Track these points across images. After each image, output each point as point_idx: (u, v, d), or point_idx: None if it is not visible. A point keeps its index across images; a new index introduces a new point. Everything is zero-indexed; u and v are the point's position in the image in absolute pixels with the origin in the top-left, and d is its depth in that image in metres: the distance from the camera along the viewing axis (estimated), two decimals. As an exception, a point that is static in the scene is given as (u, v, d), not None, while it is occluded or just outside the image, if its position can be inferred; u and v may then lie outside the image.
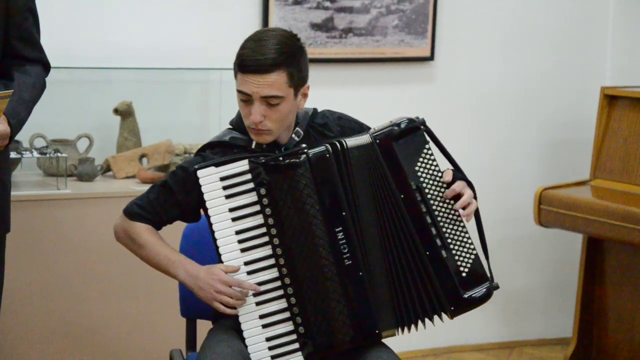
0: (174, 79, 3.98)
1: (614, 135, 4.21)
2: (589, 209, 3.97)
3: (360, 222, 2.48)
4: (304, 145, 2.52)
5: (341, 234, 2.45)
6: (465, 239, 2.52)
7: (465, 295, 2.51)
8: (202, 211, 2.59)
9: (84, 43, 3.74)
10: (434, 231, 2.50)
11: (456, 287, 2.50)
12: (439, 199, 2.51)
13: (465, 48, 4.48)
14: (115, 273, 3.54)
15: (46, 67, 2.72)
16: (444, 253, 2.49)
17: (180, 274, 2.51)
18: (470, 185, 2.58)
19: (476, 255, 2.54)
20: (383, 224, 2.49)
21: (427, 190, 2.51)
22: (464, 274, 2.51)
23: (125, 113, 3.80)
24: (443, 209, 2.52)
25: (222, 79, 4.00)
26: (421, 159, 2.52)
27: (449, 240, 2.51)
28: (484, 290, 2.54)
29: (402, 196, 2.49)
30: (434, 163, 2.53)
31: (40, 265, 3.44)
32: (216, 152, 2.57)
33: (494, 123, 4.59)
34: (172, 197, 2.56)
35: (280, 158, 2.45)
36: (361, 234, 2.47)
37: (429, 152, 2.53)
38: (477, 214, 2.57)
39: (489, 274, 2.57)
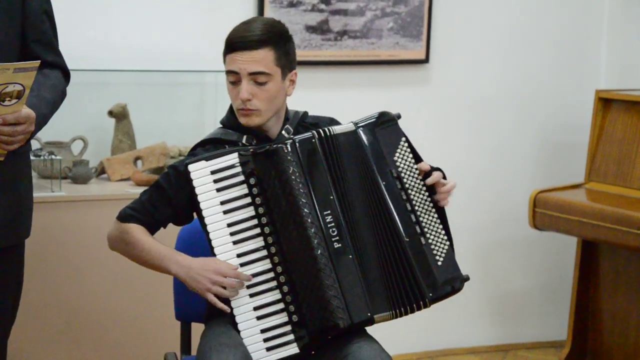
0: (169, 81, 3.98)
1: (608, 139, 4.22)
2: (583, 212, 3.97)
3: (349, 205, 2.50)
4: (291, 134, 2.58)
5: (330, 217, 2.48)
6: (439, 229, 2.57)
7: (442, 283, 2.54)
8: (194, 214, 2.60)
9: (79, 45, 3.73)
10: (413, 218, 2.54)
11: (433, 275, 2.53)
12: (415, 188, 2.56)
13: (460, 51, 4.48)
14: (109, 276, 3.54)
15: (66, 73, 2.66)
16: (422, 240, 2.54)
17: (172, 267, 2.51)
18: (442, 172, 2.64)
19: (449, 245, 2.58)
20: (368, 208, 2.52)
21: (405, 179, 2.56)
22: (439, 262, 2.55)
23: (120, 115, 3.80)
24: (419, 199, 2.56)
25: (218, 81, 3.99)
26: (399, 150, 2.58)
27: (425, 229, 2.55)
28: (458, 279, 2.58)
29: (383, 183, 2.53)
30: (410, 155, 2.58)
31: (34, 267, 3.43)
32: (208, 149, 2.60)
33: (489, 126, 4.59)
34: (164, 196, 2.58)
35: (267, 146, 2.49)
36: (350, 217, 2.50)
37: (406, 143, 2.59)
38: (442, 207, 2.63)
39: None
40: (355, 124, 2.58)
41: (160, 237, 2.61)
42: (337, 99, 4.22)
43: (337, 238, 2.47)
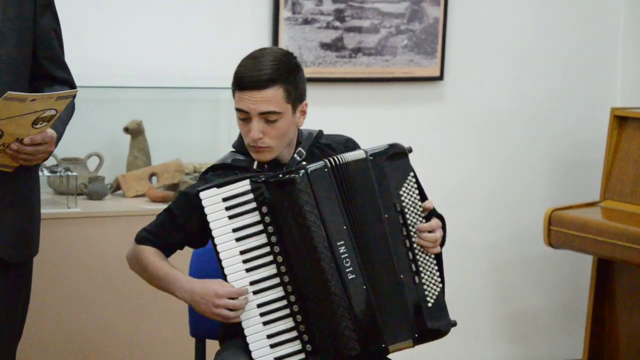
0: (184, 98, 3.99)
1: (624, 156, 4.21)
2: (599, 230, 3.96)
3: (361, 235, 2.48)
4: (304, 162, 2.55)
5: (343, 247, 2.46)
6: (434, 271, 2.55)
7: (429, 326, 2.52)
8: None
9: (94, 62, 3.75)
10: (410, 256, 2.52)
11: (422, 315, 2.52)
12: (416, 226, 2.54)
13: (475, 68, 4.49)
14: (124, 292, 3.54)
15: (74, 89, 2.71)
16: (416, 279, 2.52)
17: (177, 292, 2.51)
18: (443, 221, 2.60)
19: (442, 288, 2.57)
20: (374, 238, 2.50)
21: (407, 215, 2.53)
22: (429, 304, 2.53)
23: (135, 132, 3.81)
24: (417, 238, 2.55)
25: (232, 98, 4.00)
26: (406, 184, 2.55)
27: (421, 269, 2.53)
28: (446, 324, 2.55)
29: (385, 215, 2.51)
30: (416, 192, 2.55)
31: (50, 283, 3.44)
32: (219, 174, 2.59)
33: (503, 143, 4.58)
34: (175, 222, 2.58)
35: (280, 175, 2.46)
36: (363, 247, 2.48)
37: (414, 179, 2.56)
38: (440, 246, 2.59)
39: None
40: (366, 151, 2.54)
41: (174, 260, 2.61)
42: (352, 116, 4.22)
43: (351, 269, 2.46)
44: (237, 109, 2.51)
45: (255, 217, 2.46)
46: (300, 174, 2.45)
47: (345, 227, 2.47)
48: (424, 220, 2.54)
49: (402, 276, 2.51)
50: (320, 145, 2.66)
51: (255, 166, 2.57)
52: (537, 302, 4.74)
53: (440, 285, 2.56)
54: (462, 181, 4.51)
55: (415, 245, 2.53)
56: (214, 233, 2.45)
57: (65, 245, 3.46)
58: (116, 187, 3.80)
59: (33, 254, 2.66)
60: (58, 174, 3.59)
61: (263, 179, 2.46)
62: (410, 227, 2.53)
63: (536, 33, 4.59)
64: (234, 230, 2.46)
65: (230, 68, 3.96)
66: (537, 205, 4.57)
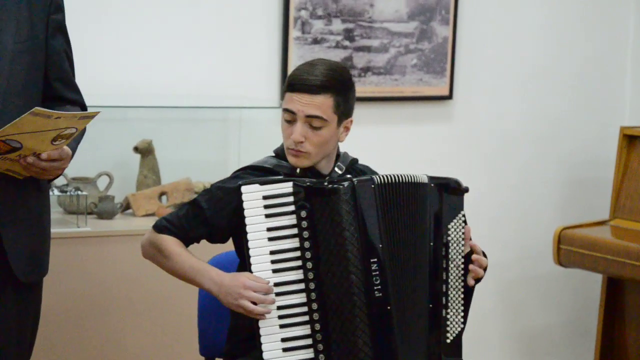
0: (194, 118, 4.00)
1: (633, 175, 4.20)
2: (609, 249, 3.95)
3: (395, 256, 2.48)
4: (349, 175, 2.58)
5: (375, 265, 2.45)
6: (460, 309, 2.58)
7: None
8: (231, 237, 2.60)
9: (104, 81, 3.77)
10: (443, 288, 2.54)
11: (439, 348, 2.54)
12: (455, 262, 2.56)
13: (484, 87, 4.49)
14: (134, 311, 3.54)
15: (84, 110, 2.73)
16: (443, 312, 2.54)
17: (205, 282, 2.50)
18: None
19: (462, 328, 2.59)
20: (411, 263, 2.51)
21: (450, 250, 2.56)
22: (448, 340, 2.55)
23: (145, 151, 3.82)
24: (455, 274, 2.57)
25: (242, 118, 4.02)
26: (456, 220, 2.58)
27: (449, 304, 2.56)
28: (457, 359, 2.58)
29: (431, 244, 2.53)
30: (463, 230, 2.58)
31: (60, 302, 3.45)
32: (256, 175, 2.59)
33: (512, 162, 4.58)
34: (201, 215, 2.57)
35: (325, 183, 2.47)
36: (397, 268, 2.48)
37: (464, 217, 2.59)
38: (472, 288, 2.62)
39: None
40: (429, 177, 2.57)
41: (183, 287, 2.61)
42: (361, 135, 4.20)
43: (379, 287, 2.45)
44: (285, 110, 2.54)
45: (292, 219, 2.46)
46: (346, 186, 2.46)
47: (380, 246, 2.46)
48: (463, 259, 2.57)
49: (431, 305, 2.52)
50: (357, 168, 2.68)
51: (298, 172, 2.58)
52: (546, 321, 4.73)
53: (463, 325, 2.58)
54: (471, 199, 4.47)
55: (450, 280, 2.55)
56: (248, 229, 2.44)
57: (75, 265, 3.47)
58: (126, 207, 3.81)
59: (44, 273, 2.67)
60: (68, 193, 3.61)
61: (307, 184, 2.46)
62: (451, 262, 2.55)
63: (545, 52, 4.59)
64: (269, 230, 2.45)
65: (240, 87, 4.01)
66: (546, 224, 4.57)
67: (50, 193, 3.55)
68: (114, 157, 3.88)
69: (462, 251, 2.57)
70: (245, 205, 2.45)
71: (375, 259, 2.45)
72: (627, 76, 4.74)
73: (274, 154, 2.67)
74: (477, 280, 2.60)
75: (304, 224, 2.45)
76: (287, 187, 2.46)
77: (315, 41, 4.12)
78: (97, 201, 3.71)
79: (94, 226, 3.59)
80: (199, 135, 4.01)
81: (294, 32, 4.08)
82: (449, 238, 2.55)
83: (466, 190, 2.62)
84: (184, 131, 3.99)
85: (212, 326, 2.84)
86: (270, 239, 2.45)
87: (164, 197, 3.83)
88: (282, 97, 2.59)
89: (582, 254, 4.06)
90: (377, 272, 2.45)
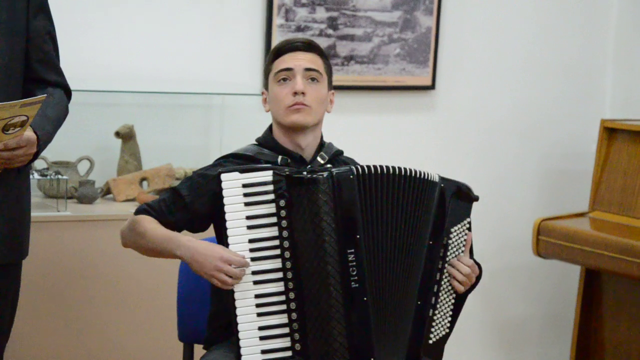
0: (176, 104, 3.99)
1: (613, 168, 4.23)
2: (587, 241, 3.98)
3: (375, 248, 2.48)
4: (329, 165, 2.59)
5: (352, 256, 2.45)
6: (448, 314, 2.59)
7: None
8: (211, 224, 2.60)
9: (86, 66, 3.76)
10: (434, 289, 2.55)
11: (420, 347, 2.54)
12: (454, 258, 2.59)
13: (467, 78, 4.50)
14: (113, 296, 3.54)
15: (68, 92, 2.70)
16: (430, 312, 2.55)
17: (176, 249, 2.48)
18: (480, 273, 2.66)
19: (447, 334, 2.60)
20: (399, 256, 2.51)
21: (448, 252, 2.58)
22: (430, 341, 2.57)
23: (126, 136, 3.81)
24: (448, 278, 2.59)
25: (224, 104, 4.01)
26: (460, 226, 2.60)
27: (438, 305, 2.57)
28: None
29: (430, 242, 2.54)
30: (465, 237, 2.61)
31: (39, 286, 3.44)
32: (237, 163, 2.60)
33: (493, 153, 4.60)
34: (181, 201, 2.58)
35: (304, 172, 2.47)
36: (374, 260, 2.47)
37: (468, 225, 2.62)
38: (463, 295, 2.64)
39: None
40: (441, 178, 2.59)
41: (166, 261, 2.62)
42: (343, 124, 4.23)
43: (356, 278, 2.45)
44: (280, 71, 2.58)
45: (271, 208, 2.45)
46: (325, 176, 2.46)
47: (358, 237, 2.46)
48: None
49: (419, 302, 2.53)
50: (341, 160, 2.69)
51: (279, 161, 2.59)
52: (525, 311, 4.76)
53: (448, 330, 2.59)
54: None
55: (443, 282, 2.56)
56: (227, 217, 2.44)
57: (54, 249, 3.46)
58: (106, 191, 3.80)
59: (23, 256, 2.66)
60: (48, 177, 3.59)
61: (287, 173, 2.46)
62: (447, 265, 2.57)
63: (528, 45, 4.61)
64: (248, 218, 2.45)
65: (222, 74, 4.01)
66: (526, 215, 4.58)
67: (31, 177, 3.55)
68: (95, 141, 3.87)
69: (460, 257, 2.60)
70: (224, 193, 2.45)
71: (353, 250, 2.45)
72: (608, 69, 4.76)
73: (256, 142, 2.66)
74: (468, 290, 2.62)
75: (283, 213, 2.45)
76: (267, 175, 2.46)
77: (299, 29, 4.12)
78: (78, 185, 3.70)
79: (74, 210, 3.58)
80: (181, 121, 4.01)
81: (277, 20, 4.07)
82: (450, 241, 2.57)
83: (476, 198, 2.65)
84: (166, 117, 3.99)
85: (192, 312, 2.84)
86: (249, 227, 2.45)
87: (144, 183, 3.82)
88: (266, 75, 2.62)
89: (560, 246, 4.08)
90: (354, 264, 2.45)
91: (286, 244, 2.45)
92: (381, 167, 2.49)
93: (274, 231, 2.46)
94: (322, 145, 2.67)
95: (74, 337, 3.52)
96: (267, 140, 2.64)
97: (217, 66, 4.01)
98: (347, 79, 4.24)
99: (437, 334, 2.58)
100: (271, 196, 2.45)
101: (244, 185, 2.45)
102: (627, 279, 4.05)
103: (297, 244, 2.44)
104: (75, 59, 3.72)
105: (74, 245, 3.50)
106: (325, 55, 2.67)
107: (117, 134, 3.81)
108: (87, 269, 3.51)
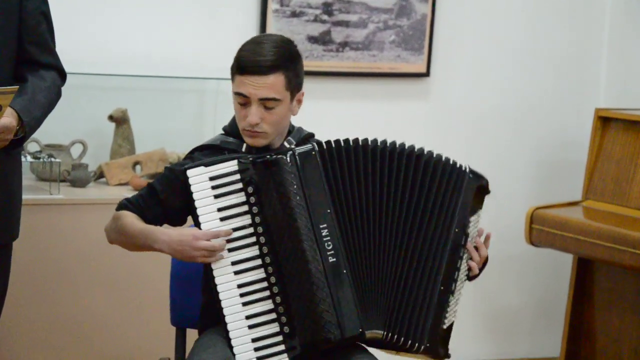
0: (170, 88, 3.99)
1: (606, 157, 4.23)
2: (580, 230, 3.98)
3: (348, 221, 2.48)
4: (292, 145, 2.58)
5: (325, 230, 2.45)
6: (457, 302, 2.65)
7: (440, 343, 2.58)
8: (189, 217, 2.60)
9: (80, 49, 3.75)
10: (455, 275, 2.60)
11: (437, 331, 2.56)
12: (467, 254, 2.64)
13: (461, 66, 4.50)
14: (105, 279, 3.54)
15: (62, 74, 2.68)
16: (450, 297, 2.58)
17: (155, 244, 2.49)
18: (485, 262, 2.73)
19: (453, 322, 2.64)
20: (414, 236, 2.54)
21: (467, 241, 2.63)
22: (444, 326, 2.59)
23: (120, 120, 3.80)
24: (465, 265, 2.64)
25: (219, 89, 4.00)
26: (476, 216, 2.67)
27: (455, 292, 2.61)
28: (445, 351, 2.61)
29: (456, 229, 2.58)
30: (478, 225, 2.67)
31: (31, 269, 3.44)
32: (205, 154, 2.60)
33: (487, 141, 4.60)
34: (155, 197, 2.58)
35: (268, 156, 2.47)
36: (348, 233, 2.48)
37: (479, 216, 2.69)
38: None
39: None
40: (468, 168, 2.66)
41: (158, 258, 2.61)
42: (337, 110, 4.23)
43: (332, 252, 2.45)
44: (237, 93, 2.52)
45: (241, 197, 2.46)
46: (288, 155, 2.46)
47: (329, 211, 2.46)
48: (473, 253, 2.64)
49: (442, 287, 2.56)
50: (312, 142, 2.67)
51: (243, 149, 2.58)
52: (518, 300, 4.76)
53: (454, 318, 2.63)
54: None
55: (461, 270, 2.61)
56: (198, 211, 2.45)
57: (46, 232, 3.46)
58: (99, 175, 3.79)
59: (13, 237, 2.65)
60: (41, 160, 3.59)
61: (251, 159, 2.46)
62: (465, 253, 2.61)
63: (523, 33, 4.60)
64: (219, 210, 2.45)
65: (217, 59, 3.99)
66: (520, 204, 4.58)
67: (23, 159, 3.53)
68: (88, 125, 3.87)
69: (475, 246, 2.66)
70: (193, 188, 2.45)
71: (325, 225, 2.45)
72: (602, 58, 4.76)
73: (223, 132, 2.66)
74: (473, 277, 2.68)
75: (252, 199, 2.45)
76: (232, 165, 2.46)
77: (294, 14, 4.11)
78: (71, 169, 3.69)
79: (66, 194, 3.57)
80: (175, 105, 4.00)
81: (272, 5, 4.06)
82: (468, 230, 2.61)
83: (489, 192, 2.73)
84: (160, 101, 3.98)
85: (184, 296, 2.84)
86: (222, 219, 2.45)
87: (137, 167, 3.82)
88: (232, 78, 2.54)
89: (554, 234, 4.08)
90: (328, 238, 2.45)
91: (260, 229, 2.45)
92: (345, 140, 2.50)
93: (246, 219, 2.46)
94: (290, 132, 2.65)
95: (65, 319, 3.52)
96: (233, 129, 2.63)
97: (212, 51, 4.00)
98: (341, 65, 4.23)
99: (450, 320, 2.61)
100: (239, 185, 2.46)
101: (211, 178, 2.45)
102: (619, 268, 4.06)
103: (271, 228, 2.45)
104: (69, 42, 3.71)
105: (66, 228, 3.50)
106: (292, 65, 2.53)
107: (111, 118, 3.80)
108: (79, 252, 3.51)
